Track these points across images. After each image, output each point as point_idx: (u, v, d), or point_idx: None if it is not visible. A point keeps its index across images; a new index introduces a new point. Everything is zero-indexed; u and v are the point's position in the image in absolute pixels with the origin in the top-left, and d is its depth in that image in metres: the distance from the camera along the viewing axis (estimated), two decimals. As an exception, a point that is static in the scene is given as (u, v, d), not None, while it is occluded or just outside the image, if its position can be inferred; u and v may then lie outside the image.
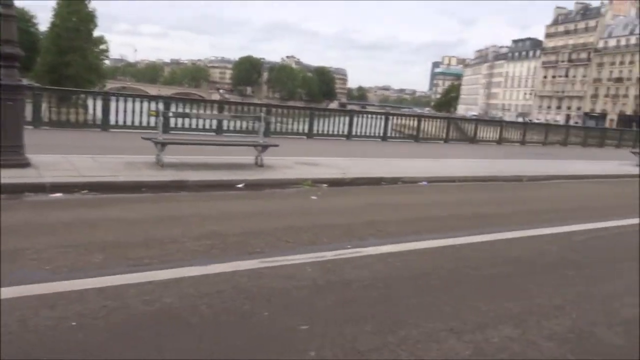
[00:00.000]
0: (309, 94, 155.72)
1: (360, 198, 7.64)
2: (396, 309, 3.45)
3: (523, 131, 21.61)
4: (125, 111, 13.61)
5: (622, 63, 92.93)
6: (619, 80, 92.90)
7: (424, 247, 4.99)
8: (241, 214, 5.93)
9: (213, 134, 14.30)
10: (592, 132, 25.91)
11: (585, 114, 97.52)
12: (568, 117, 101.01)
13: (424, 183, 9.67)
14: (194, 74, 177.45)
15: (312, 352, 2.76)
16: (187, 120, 13.59)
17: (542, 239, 5.79)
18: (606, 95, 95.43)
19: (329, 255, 4.46)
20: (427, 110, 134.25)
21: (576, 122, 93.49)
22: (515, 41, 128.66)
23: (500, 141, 20.79)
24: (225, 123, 14.56)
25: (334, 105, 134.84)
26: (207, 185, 7.35)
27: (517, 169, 12.42)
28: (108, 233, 4.70)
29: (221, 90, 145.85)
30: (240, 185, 7.59)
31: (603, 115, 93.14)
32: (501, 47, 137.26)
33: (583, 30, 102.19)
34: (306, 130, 16.53)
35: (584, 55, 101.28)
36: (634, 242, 6.05)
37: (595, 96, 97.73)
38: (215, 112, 15.51)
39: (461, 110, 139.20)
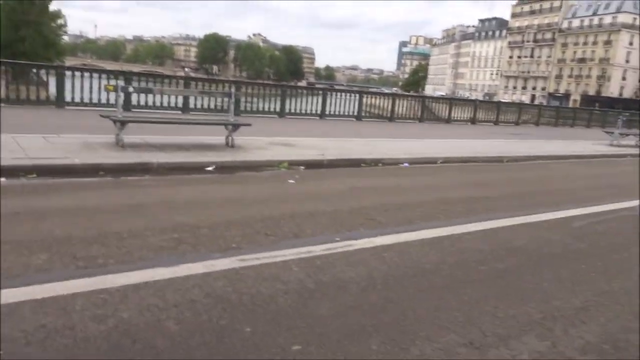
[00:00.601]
0: (277, 73, 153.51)
1: (341, 181, 7.07)
2: (402, 318, 2.91)
3: (496, 111, 21.41)
4: (82, 87, 12.60)
5: (585, 44, 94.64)
6: (582, 60, 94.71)
7: (420, 238, 4.47)
8: (212, 202, 5.27)
9: (179, 112, 13.43)
10: (563, 112, 26.01)
11: (550, 94, 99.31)
12: (533, 97, 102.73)
13: (406, 165, 9.18)
14: (158, 51, 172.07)
15: (310, 383, 2.20)
16: (150, 97, 12.68)
17: (541, 226, 5.36)
18: (570, 76, 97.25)
19: (316, 250, 3.88)
20: (395, 90, 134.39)
21: (541, 102, 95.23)
22: (481, 20, 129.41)
23: (474, 121, 20.53)
24: (192, 100, 13.71)
25: (302, 84, 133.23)
26: (173, 168, 6.64)
27: (496, 149, 12.09)
28: (56, 226, 3.98)
29: (187, 69, 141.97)
30: (210, 168, 6.91)
31: (567, 96, 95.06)
32: (468, 26, 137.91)
33: (548, 10, 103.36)
34: (278, 109, 15.78)
35: (548, 35, 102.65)
36: (635, 228, 5.71)
37: (559, 76, 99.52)
38: (181, 88, 14.55)
39: (429, 90, 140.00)
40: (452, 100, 20.19)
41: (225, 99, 10.84)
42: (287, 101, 16.08)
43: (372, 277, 3.47)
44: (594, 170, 10.84)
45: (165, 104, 13.33)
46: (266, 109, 16.00)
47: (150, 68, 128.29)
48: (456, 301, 3.20)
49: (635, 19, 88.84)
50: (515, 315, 3.06)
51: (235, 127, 8.36)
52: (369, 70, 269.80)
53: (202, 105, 14.00)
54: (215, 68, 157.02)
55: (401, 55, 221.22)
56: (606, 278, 3.89)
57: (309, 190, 6.27)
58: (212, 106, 14.12)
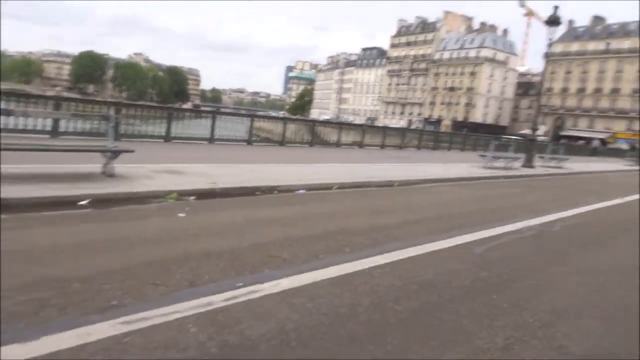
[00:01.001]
0: (160, 94, 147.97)
1: (237, 213, 6.54)
2: (325, 383, 2.50)
3: (382, 135, 22.21)
4: None
5: (454, 74, 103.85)
6: (452, 89, 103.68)
7: (329, 277, 4.12)
8: (86, 245, 4.46)
9: (47, 136, 11.96)
10: (441, 136, 27.81)
11: (425, 119, 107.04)
12: (410, 122, 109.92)
13: (302, 192, 8.89)
14: (24, 68, 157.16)
15: None
16: (11, 120, 11.13)
17: (444, 255, 5.31)
18: (442, 103, 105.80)
19: (217, 301, 3.35)
20: (282, 114, 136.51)
21: (417, 127, 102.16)
22: (364, 49, 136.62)
23: (361, 145, 21.06)
24: (63, 123, 12.28)
25: (187, 107, 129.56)
26: (37, 204, 5.65)
27: (386, 173, 12.32)
28: None
29: (58, 88, 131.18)
30: (84, 202, 6.00)
31: (439, 121, 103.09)
32: (351, 54, 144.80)
33: (422, 42, 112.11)
34: (163, 133, 14.79)
35: (423, 65, 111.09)
36: (530, 250, 5.90)
37: (433, 103, 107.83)
38: (50, 109, 13.00)
39: (314, 114, 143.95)
40: (341, 125, 20.54)
41: (103, 122, 9.80)
42: (174, 124, 15.16)
43: (285, 330, 3.02)
44: (477, 193, 11.43)
45: (30, 127, 11.80)
46: (150, 132, 14.93)
47: (15, 86, 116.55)
48: (380, 352, 2.87)
49: (494, 53, 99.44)
50: (443, 365, 2.80)
51: (115, 153, 7.48)
52: (256, 93, 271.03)
53: (75, 128, 12.62)
54: (91, 87, 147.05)
55: (288, 79, 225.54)
56: (518, 309, 3.83)
57: (202, 224, 5.66)
58: (87, 129, 12.80)
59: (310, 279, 4.01)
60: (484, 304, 3.89)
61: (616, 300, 4.34)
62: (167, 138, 14.72)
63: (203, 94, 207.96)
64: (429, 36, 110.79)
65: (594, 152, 46.85)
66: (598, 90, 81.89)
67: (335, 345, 2.92)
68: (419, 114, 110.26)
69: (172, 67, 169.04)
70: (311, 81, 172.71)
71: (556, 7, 19.04)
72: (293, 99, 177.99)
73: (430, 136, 26.55)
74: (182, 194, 7.03)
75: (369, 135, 21.92)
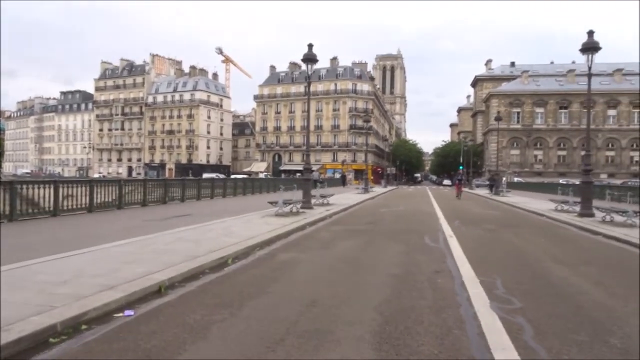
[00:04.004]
0: None
1: None
2: None
3: (143, 189, 18.03)
4: None
5: (171, 117, 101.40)
6: (171, 132, 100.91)
7: None
8: None
9: None
10: (204, 183, 24.76)
11: (147, 164, 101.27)
12: (130, 168, 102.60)
13: (129, 312, 5.13)
14: None
15: None
16: None
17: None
18: (162, 147, 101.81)
19: None
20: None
21: (138, 173, 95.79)
22: (64, 93, 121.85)
23: (120, 205, 16.50)
24: None
25: None
26: None
27: (203, 247, 9.03)
28: None
29: None
30: None
31: (162, 165, 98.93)
32: (48, 98, 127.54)
33: (132, 85, 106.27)
34: None
35: (136, 109, 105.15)
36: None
37: (153, 148, 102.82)
38: None
39: (9, 167, 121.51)
40: (92, 183, 15.57)
41: None
42: None
43: None
44: (333, 255, 9.23)
45: None
46: None
47: None
48: None
49: (208, 96, 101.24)
50: None
51: None
52: None
53: None
54: None
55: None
56: None
57: None
58: None
59: None
60: None
61: None
62: None
63: None
64: (138, 79, 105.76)
65: (317, 184, 50.57)
66: (305, 128, 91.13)
67: None
68: (139, 160, 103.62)
69: None
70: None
71: (310, 45, 18.81)
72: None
73: (192, 184, 23.13)
74: None
75: (129, 191, 17.45)
